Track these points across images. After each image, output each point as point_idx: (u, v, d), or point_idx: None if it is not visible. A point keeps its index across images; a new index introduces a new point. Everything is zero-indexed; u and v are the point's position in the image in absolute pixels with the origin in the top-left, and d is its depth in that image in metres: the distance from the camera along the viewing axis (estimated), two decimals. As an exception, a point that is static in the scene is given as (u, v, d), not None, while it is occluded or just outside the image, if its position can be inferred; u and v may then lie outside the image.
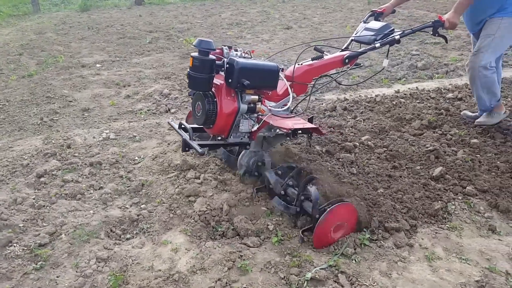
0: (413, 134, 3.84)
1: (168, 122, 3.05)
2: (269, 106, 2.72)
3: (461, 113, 4.20)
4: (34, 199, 2.85)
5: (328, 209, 2.34)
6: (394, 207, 2.74)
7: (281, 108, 2.76)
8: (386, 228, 2.59)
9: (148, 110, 4.58)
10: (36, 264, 2.27)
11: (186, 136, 2.61)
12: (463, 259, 2.39)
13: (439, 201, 2.87)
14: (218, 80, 2.54)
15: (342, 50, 3.19)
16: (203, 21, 9.75)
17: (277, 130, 2.73)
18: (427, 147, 3.54)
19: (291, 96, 2.67)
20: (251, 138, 2.68)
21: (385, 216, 2.65)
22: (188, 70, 2.47)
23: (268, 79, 2.55)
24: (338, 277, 2.19)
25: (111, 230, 2.55)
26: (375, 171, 3.19)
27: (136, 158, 3.46)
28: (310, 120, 3.25)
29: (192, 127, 2.67)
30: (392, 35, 3.08)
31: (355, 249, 2.40)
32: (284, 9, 11.17)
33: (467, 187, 3.02)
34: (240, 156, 2.83)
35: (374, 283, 2.18)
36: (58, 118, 4.40)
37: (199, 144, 2.54)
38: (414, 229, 2.62)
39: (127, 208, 2.78)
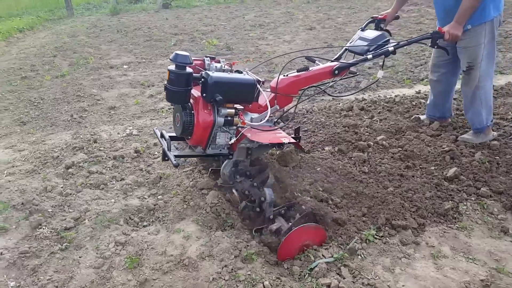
0: (430, 135, 3.80)
1: (154, 130, 3.05)
2: (251, 118, 2.65)
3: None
4: (62, 187, 3.07)
5: (296, 227, 2.32)
6: (402, 206, 2.79)
7: (261, 120, 2.66)
8: (393, 225, 2.64)
9: (169, 109, 4.76)
10: (62, 245, 2.48)
11: (165, 145, 2.61)
12: (470, 258, 2.40)
13: (450, 201, 2.88)
14: (197, 92, 2.50)
15: (334, 60, 3.10)
16: (227, 23, 9.92)
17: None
18: (443, 148, 3.54)
19: (269, 108, 2.58)
20: (231, 149, 2.65)
21: (392, 214, 2.71)
22: (166, 83, 2.45)
23: (244, 93, 2.50)
24: (340, 270, 2.27)
25: (130, 218, 2.74)
26: (387, 170, 3.23)
27: (156, 153, 3.64)
28: (297, 131, 3.25)
29: (171, 136, 2.70)
30: (386, 47, 2.95)
31: (360, 244, 2.47)
32: (309, 10, 11.16)
33: (482, 188, 3.00)
34: (222, 166, 2.75)
35: (376, 277, 2.25)
36: (86, 115, 4.65)
37: (177, 155, 2.58)
38: (422, 227, 2.66)
39: (145, 198, 2.97)
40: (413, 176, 3.17)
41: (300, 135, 3.33)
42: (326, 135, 3.86)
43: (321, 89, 3.06)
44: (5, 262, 2.34)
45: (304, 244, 2.39)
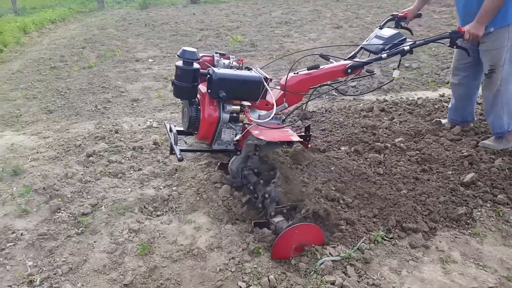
0: (450, 139, 3.73)
1: (164, 124, 3.06)
2: (259, 115, 2.63)
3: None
4: (82, 174, 3.20)
5: (294, 225, 2.31)
6: (414, 209, 2.77)
7: (268, 118, 2.58)
8: (404, 228, 2.63)
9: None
10: (78, 230, 2.60)
11: (172, 139, 2.66)
12: (481, 265, 2.38)
13: (465, 207, 2.84)
14: (204, 88, 2.51)
15: (349, 58, 3.06)
16: (253, 19, 9.95)
17: None
18: (462, 153, 3.48)
19: (275, 106, 2.54)
20: (238, 146, 2.66)
21: (404, 216, 2.70)
22: (173, 78, 2.48)
23: (249, 90, 2.49)
24: (346, 269, 2.29)
25: (144, 207, 2.83)
26: (402, 173, 3.20)
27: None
28: (307, 129, 3.23)
29: (180, 131, 2.74)
30: (402, 46, 2.88)
31: (368, 245, 2.48)
32: (337, 8, 11.04)
33: (499, 195, 2.95)
34: (230, 162, 2.79)
35: (381, 277, 2.26)
36: (110, 107, 4.78)
37: (182, 150, 2.61)
38: (433, 231, 2.64)
39: (160, 189, 3.05)
40: (428, 180, 3.14)
41: (311, 133, 3.33)
42: (343, 135, 3.86)
43: (333, 87, 3.05)
44: (25, 243, 2.47)
45: (300, 244, 2.36)
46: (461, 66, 3.68)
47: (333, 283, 2.16)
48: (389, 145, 3.62)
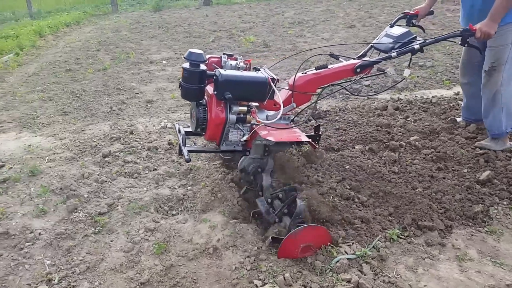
0: (465, 137, 3.70)
1: (174, 125, 3.07)
2: (267, 115, 2.63)
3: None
4: (98, 175, 3.25)
5: (303, 226, 2.30)
6: (430, 207, 2.75)
7: (276, 118, 2.56)
8: (419, 226, 2.61)
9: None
10: (95, 229, 2.64)
11: (180, 140, 2.68)
12: (498, 263, 2.35)
13: (481, 205, 2.81)
14: (211, 89, 2.50)
15: (358, 57, 3.02)
16: (266, 20, 9.97)
17: None
18: (477, 151, 3.44)
19: (281, 106, 2.53)
20: (246, 146, 2.64)
21: (419, 214, 2.67)
22: (180, 80, 2.50)
23: (255, 91, 2.48)
24: (362, 267, 2.28)
25: (160, 206, 2.86)
26: (417, 171, 3.18)
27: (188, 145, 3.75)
28: (317, 128, 3.20)
29: (188, 132, 2.75)
30: (412, 44, 2.82)
31: (384, 243, 2.47)
32: (350, 8, 11.00)
33: (516, 193, 2.92)
34: (240, 162, 2.77)
35: (397, 275, 2.24)
36: (125, 108, 4.84)
37: (190, 150, 2.62)
38: (449, 229, 2.62)
39: (175, 188, 3.08)
40: (444, 178, 3.11)
41: (320, 132, 3.30)
42: (357, 134, 3.84)
43: (342, 86, 3.00)
44: (43, 242, 2.52)
45: (306, 245, 2.33)
46: (470, 64, 3.62)
47: (349, 281, 2.15)
48: (404, 143, 3.60)
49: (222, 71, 2.41)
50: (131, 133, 4.02)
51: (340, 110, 4.50)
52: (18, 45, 7.95)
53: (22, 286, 2.20)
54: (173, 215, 2.79)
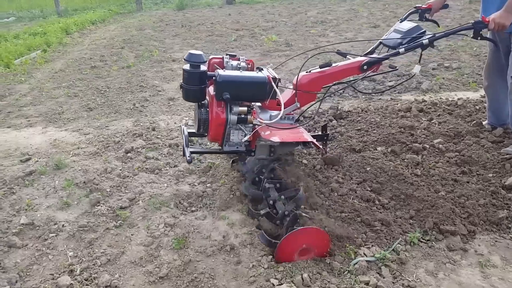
0: (491, 141, 3.60)
1: (180, 126, 3.05)
2: (270, 115, 2.60)
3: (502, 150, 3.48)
4: (120, 170, 3.31)
5: (299, 228, 2.24)
6: (453, 211, 2.69)
7: (277, 118, 2.52)
8: (441, 230, 2.56)
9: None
10: (116, 223, 2.69)
11: (184, 142, 2.71)
12: (523, 271, 2.29)
13: (506, 210, 2.74)
14: (212, 90, 2.50)
15: (366, 54, 2.94)
16: (288, 19, 9.94)
17: None
18: (503, 155, 3.35)
19: (282, 106, 2.49)
20: (249, 147, 2.62)
21: (441, 219, 2.62)
22: (181, 82, 2.52)
23: (254, 91, 2.45)
24: (381, 269, 2.25)
25: (180, 202, 2.89)
26: (440, 174, 3.12)
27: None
28: (324, 128, 3.14)
29: (192, 133, 2.76)
30: (421, 39, 2.69)
31: (404, 246, 2.43)
32: (374, 7, 10.86)
33: (543, 200, 2.83)
34: (246, 162, 2.75)
35: (417, 279, 2.21)
36: (147, 105, 4.91)
37: (193, 151, 2.63)
38: (472, 234, 2.56)
39: (195, 185, 3.11)
40: (467, 182, 3.04)
41: (328, 132, 3.25)
42: (380, 135, 3.79)
43: (349, 84, 2.91)
44: (66, 234, 2.58)
45: (304, 248, 2.27)
46: (493, 68, 3.51)
47: (367, 283, 2.13)
48: (428, 146, 3.53)
49: (221, 72, 2.40)
50: (153, 130, 4.07)
51: (362, 110, 4.44)
52: (46, 42, 8.16)
53: (46, 276, 2.26)
54: (192, 211, 2.81)
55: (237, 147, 2.60)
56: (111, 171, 3.27)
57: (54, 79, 6.03)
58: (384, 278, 2.19)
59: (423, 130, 3.85)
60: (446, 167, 3.23)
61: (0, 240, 2.52)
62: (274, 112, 2.62)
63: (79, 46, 8.33)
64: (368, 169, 3.19)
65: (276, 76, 2.56)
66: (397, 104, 4.59)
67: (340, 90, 3.97)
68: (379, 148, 3.56)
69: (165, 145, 3.73)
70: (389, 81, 5.31)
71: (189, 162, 2.57)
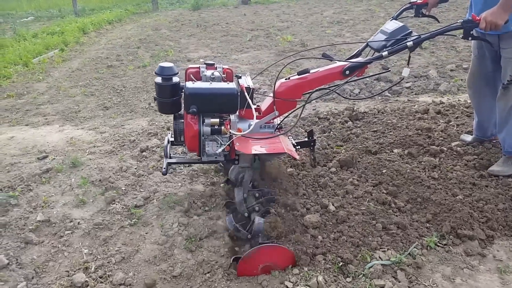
0: (511, 145, 3.55)
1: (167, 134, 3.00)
2: (249, 125, 2.47)
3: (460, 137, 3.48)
4: (136, 168, 3.33)
5: (259, 246, 2.19)
6: (471, 215, 2.63)
7: (250, 128, 2.43)
8: (458, 234, 2.51)
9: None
10: (131, 221, 2.71)
11: (164, 152, 2.71)
12: (543, 277, 2.23)
13: (526, 216, 2.68)
14: None
15: (350, 58, 2.80)
16: (304, 19, 9.89)
17: None
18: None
19: (255, 116, 2.38)
20: (229, 156, 2.55)
21: (459, 223, 2.57)
22: (154, 95, 2.51)
23: (223, 103, 2.38)
24: (396, 273, 2.21)
25: (193, 201, 2.89)
26: (458, 178, 3.06)
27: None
28: (310, 134, 3.07)
29: (172, 142, 2.74)
30: (405, 41, 2.47)
31: (420, 250, 2.39)
32: (391, 8, 10.73)
33: None
34: (230, 170, 2.66)
35: (434, 284, 2.17)
36: (162, 104, 4.93)
37: (170, 162, 2.66)
38: (491, 239, 2.50)
39: (208, 185, 3.11)
40: (486, 186, 2.97)
41: (315, 138, 3.15)
42: (396, 137, 3.74)
43: (331, 90, 2.75)
44: (81, 231, 2.61)
45: (266, 265, 2.22)
46: (478, 76, 3.30)
47: (382, 287, 2.10)
48: (445, 148, 3.47)
49: (189, 84, 2.34)
50: (168, 129, 4.09)
51: (378, 112, 4.39)
52: (63, 41, 8.28)
53: (61, 273, 2.29)
54: (205, 211, 2.81)
55: (215, 157, 2.55)
56: (126, 170, 3.29)
57: (71, 78, 6.12)
58: (399, 282, 2.16)
59: (440, 133, 3.79)
60: (464, 171, 3.17)
61: (17, 237, 2.56)
62: (253, 121, 2.49)
63: (95, 45, 8.43)
64: (384, 171, 3.14)
65: (251, 85, 2.50)
66: (414, 105, 4.53)
67: (323, 95, 3.85)
68: (395, 150, 3.51)
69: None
70: (406, 83, 5.24)
71: (164, 174, 2.56)
